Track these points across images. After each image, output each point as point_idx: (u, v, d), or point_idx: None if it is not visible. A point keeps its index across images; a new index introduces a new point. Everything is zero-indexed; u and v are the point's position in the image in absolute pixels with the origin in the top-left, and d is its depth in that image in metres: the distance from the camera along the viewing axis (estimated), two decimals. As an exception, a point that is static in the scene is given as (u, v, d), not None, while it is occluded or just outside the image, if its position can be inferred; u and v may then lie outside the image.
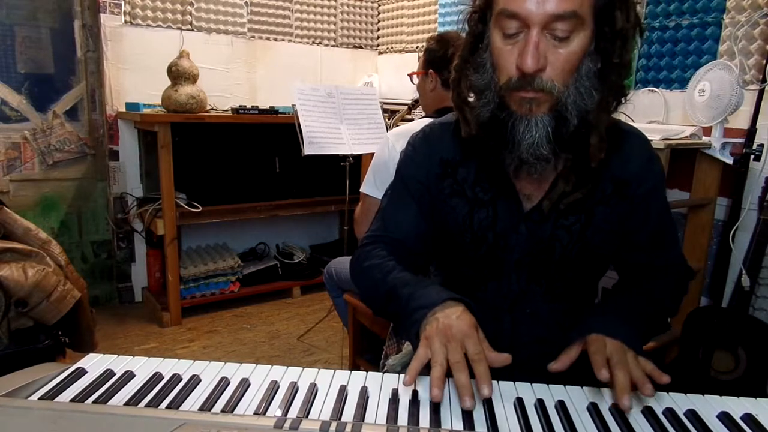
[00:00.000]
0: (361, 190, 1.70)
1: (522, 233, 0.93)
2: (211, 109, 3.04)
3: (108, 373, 0.77)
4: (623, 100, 0.86)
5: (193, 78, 2.71)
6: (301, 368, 0.78)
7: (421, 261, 1.04)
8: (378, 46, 3.85)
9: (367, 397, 0.72)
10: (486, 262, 0.97)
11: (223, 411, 0.68)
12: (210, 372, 0.78)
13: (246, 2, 3.27)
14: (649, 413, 0.72)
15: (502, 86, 0.83)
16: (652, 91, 2.32)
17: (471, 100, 0.90)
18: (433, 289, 0.86)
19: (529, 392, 0.76)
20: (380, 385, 0.75)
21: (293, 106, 2.48)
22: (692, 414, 0.73)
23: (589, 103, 0.82)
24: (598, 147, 0.84)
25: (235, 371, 0.78)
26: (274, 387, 0.74)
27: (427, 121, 1.16)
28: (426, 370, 0.74)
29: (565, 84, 0.81)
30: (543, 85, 0.79)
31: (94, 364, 0.80)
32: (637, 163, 0.94)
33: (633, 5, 0.82)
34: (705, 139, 2.05)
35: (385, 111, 2.90)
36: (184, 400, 0.71)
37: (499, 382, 0.77)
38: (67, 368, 0.78)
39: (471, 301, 0.83)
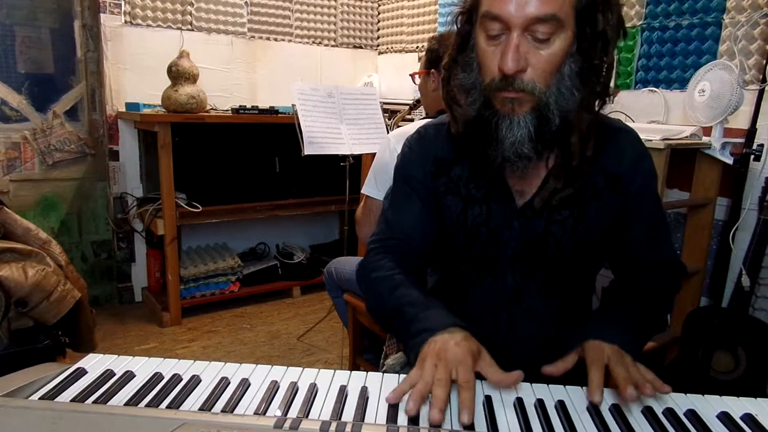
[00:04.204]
0: (362, 191, 1.70)
1: (515, 229, 0.94)
2: (211, 109, 3.04)
3: (108, 374, 0.77)
4: (607, 100, 0.87)
5: (193, 78, 2.71)
6: (301, 368, 0.78)
7: (427, 260, 1.05)
8: (378, 46, 3.85)
9: (367, 397, 0.72)
10: (481, 259, 0.98)
11: (223, 411, 0.68)
12: (210, 372, 0.78)
13: (246, 2, 3.27)
14: (649, 413, 0.72)
15: (486, 86, 0.85)
16: (652, 91, 2.32)
17: (461, 98, 0.91)
18: (438, 312, 0.85)
19: (529, 392, 0.76)
20: (380, 385, 0.75)
21: (293, 106, 2.48)
22: (692, 414, 0.73)
23: (571, 103, 0.83)
24: (579, 146, 0.85)
25: (235, 371, 0.78)
26: (274, 387, 0.74)
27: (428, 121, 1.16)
28: None
29: (547, 84, 0.82)
30: (524, 86, 0.81)
31: (94, 364, 0.80)
32: (629, 159, 0.95)
33: (615, 7, 0.83)
34: (705, 139, 2.04)
35: (385, 111, 2.90)
36: (184, 400, 0.71)
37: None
38: (67, 368, 0.78)
39: (475, 329, 0.82)
